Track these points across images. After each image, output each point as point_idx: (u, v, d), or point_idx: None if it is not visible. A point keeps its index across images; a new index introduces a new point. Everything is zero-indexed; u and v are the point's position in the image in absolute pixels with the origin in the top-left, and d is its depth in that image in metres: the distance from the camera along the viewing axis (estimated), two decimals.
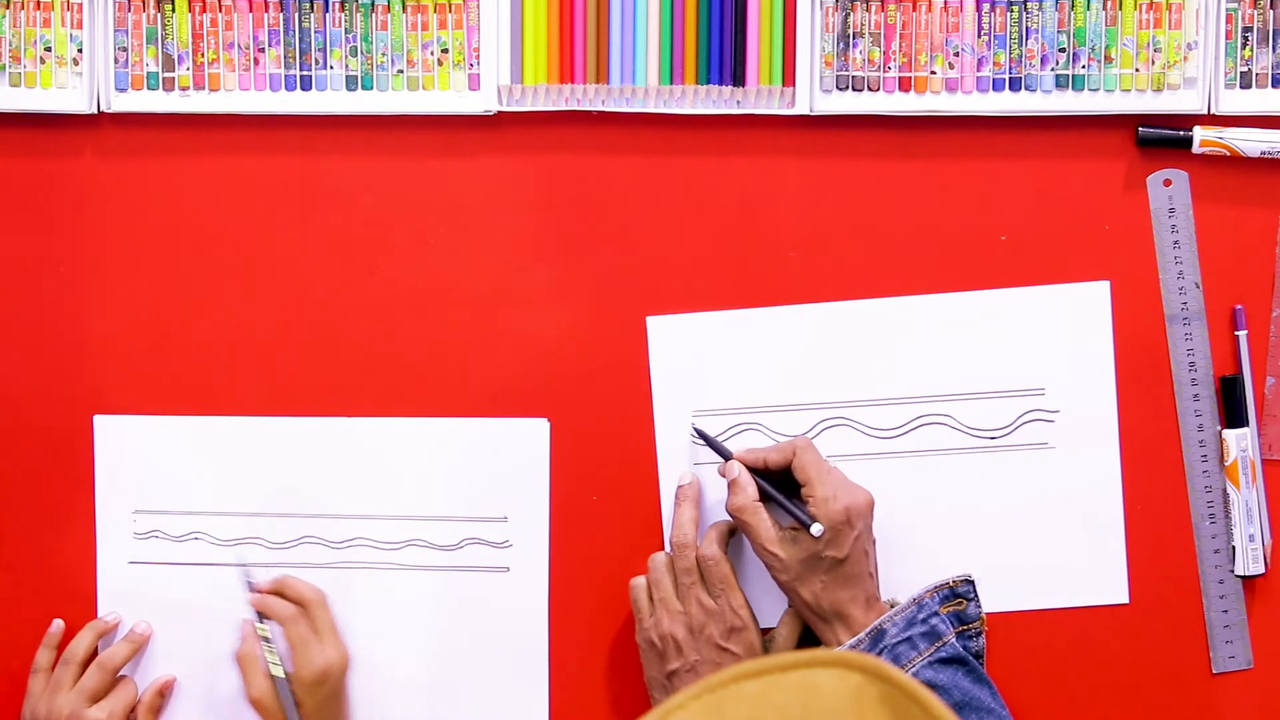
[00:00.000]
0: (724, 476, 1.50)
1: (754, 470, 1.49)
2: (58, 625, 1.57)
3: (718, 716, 0.78)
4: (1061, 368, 1.52)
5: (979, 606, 1.49)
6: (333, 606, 1.56)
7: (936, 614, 1.46)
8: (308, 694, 1.52)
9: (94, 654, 1.56)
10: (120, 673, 1.56)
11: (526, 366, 1.55)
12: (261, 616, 1.54)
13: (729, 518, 1.52)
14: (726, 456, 1.51)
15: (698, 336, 1.54)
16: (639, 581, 1.52)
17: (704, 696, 0.79)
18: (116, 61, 1.54)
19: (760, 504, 1.48)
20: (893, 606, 1.47)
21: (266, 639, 1.53)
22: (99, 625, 1.57)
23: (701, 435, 1.53)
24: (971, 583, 1.49)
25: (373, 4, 1.53)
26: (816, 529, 1.43)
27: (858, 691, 0.78)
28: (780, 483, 1.49)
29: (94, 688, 1.54)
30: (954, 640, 1.46)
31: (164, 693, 1.57)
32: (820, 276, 1.54)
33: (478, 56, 1.53)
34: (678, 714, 0.78)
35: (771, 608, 1.52)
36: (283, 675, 1.52)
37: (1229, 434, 1.51)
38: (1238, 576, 1.52)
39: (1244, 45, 1.50)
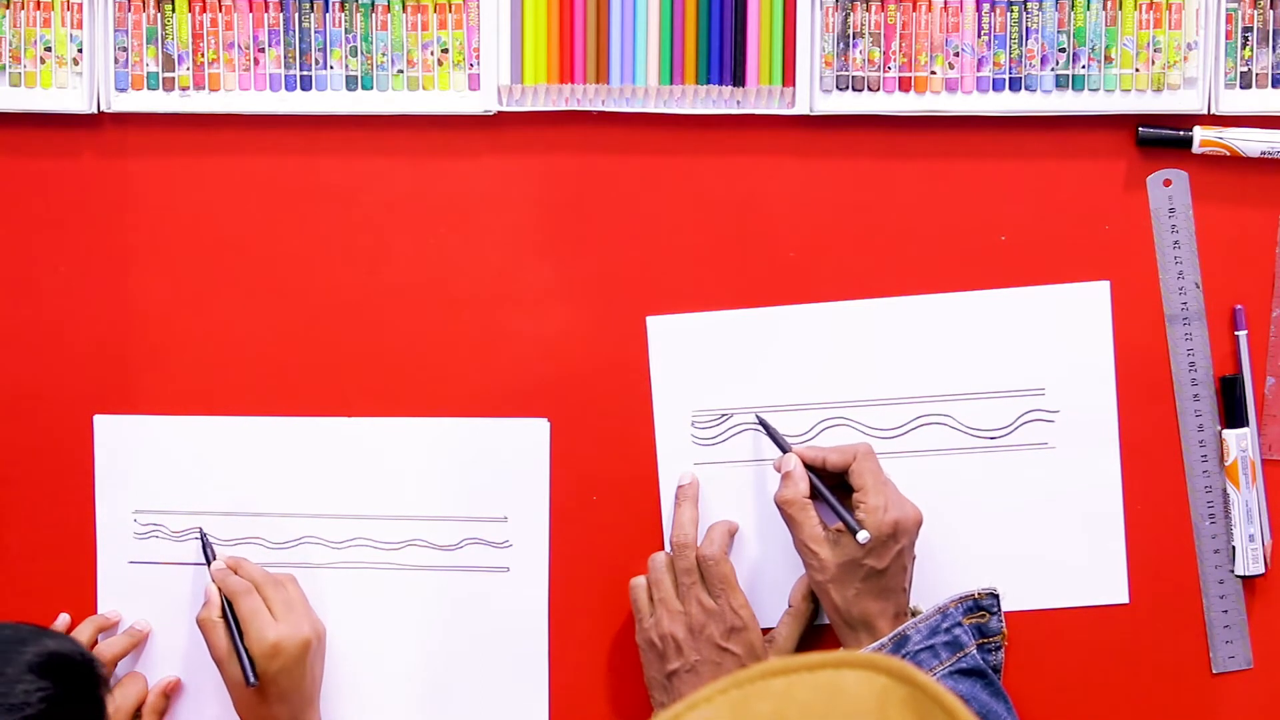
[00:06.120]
0: (778, 470, 1.49)
1: (809, 468, 1.49)
2: (63, 619, 1.56)
3: (743, 711, 0.79)
4: (1061, 368, 1.52)
5: (1001, 621, 1.48)
6: (301, 587, 1.54)
7: (960, 624, 1.46)
8: (262, 664, 1.49)
9: (93, 647, 1.55)
10: (123, 668, 1.56)
11: (527, 366, 1.55)
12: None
13: (729, 518, 1.52)
14: (785, 449, 1.50)
15: (698, 336, 1.54)
16: (639, 581, 1.52)
17: (730, 691, 0.79)
18: (116, 61, 1.54)
19: (809, 501, 1.47)
20: (915, 615, 1.47)
21: (227, 605, 1.52)
22: (98, 620, 1.56)
23: (764, 425, 1.52)
24: (996, 596, 1.48)
25: (373, 4, 1.53)
26: (863, 536, 1.42)
27: (883, 693, 0.79)
28: (832, 486, 1.48)
29: None
30: (975, 652, 1.45)
31: (169, 694, 1.57)
32: (820, 276, 1.54)
33: (478, 56, 1.53)
34: (704, 707, 0.79)
35: (772, 608, 1.52)
36: (239, 639, 1.50)
37: (1229, 434, 1.52)
38: (1238, 576, 1.53)
39: (1244, 45, 1.50)
